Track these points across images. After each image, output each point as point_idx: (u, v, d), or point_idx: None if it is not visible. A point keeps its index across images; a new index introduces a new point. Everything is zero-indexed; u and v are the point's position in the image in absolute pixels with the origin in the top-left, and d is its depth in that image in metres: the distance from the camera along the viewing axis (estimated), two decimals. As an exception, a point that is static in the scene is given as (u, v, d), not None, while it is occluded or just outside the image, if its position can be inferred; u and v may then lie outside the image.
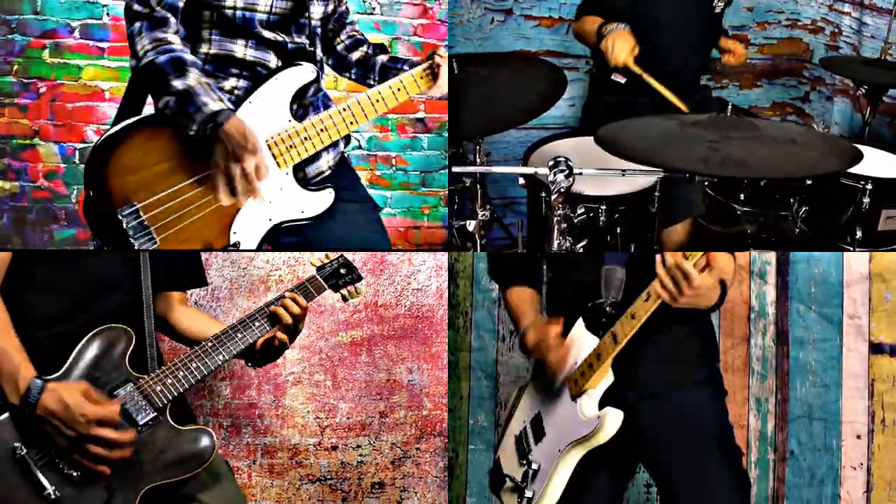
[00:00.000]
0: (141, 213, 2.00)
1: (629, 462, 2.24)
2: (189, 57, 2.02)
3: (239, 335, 1.95)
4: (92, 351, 1.81)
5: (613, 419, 2.03)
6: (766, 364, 3.07)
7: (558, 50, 3.83)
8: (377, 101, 2.28)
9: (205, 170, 2.05)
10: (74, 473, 1.72)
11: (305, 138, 2.20)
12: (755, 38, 4.04)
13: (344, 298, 2.20)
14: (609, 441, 2.04)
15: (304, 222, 2.24)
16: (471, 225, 2.81)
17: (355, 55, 2.54)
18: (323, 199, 2.26)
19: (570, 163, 2.34)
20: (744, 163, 2.03)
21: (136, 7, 2.05)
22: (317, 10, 2.32)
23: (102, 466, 1.72)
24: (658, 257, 1.93)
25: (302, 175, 2.26)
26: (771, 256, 3.08)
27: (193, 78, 1.99)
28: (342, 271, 2.18)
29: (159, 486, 1.80)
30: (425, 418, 3.06)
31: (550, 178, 2.34)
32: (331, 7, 2.43)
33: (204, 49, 2.17)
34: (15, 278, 1.85)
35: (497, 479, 2.27)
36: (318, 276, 2.14)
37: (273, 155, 2.16)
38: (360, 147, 3.72)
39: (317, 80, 2.29)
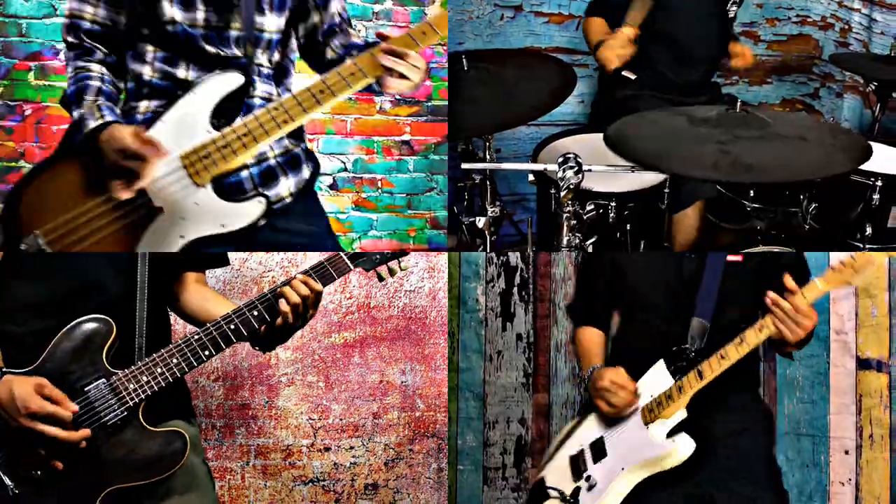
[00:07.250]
0: (40, 240, 1.94)
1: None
2: (93, 84, 2.04)
3: (232, 327, 1.78)
4: (70, 343, 1.71)
5: (686, 445, 2.05)
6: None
7: (568, 46, 3.83)
8: (321, 91, 1.99)
9: (107, 190, 1.99)
10: (33, 472, 1.64)
11: (223, 146, 1.99)
12: (765, 35, 4.03)
13: (380, 278, 1.92)
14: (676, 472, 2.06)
15: (228, 235, 2.06)
16: (480, 221, 2.81)
17: (333, 57, 2.28)
18: (248, 211, 2.04)
19: (579, 159, 2.34)
20: (753, 167, 2.03)
21: (70, 38, 2.09)
22: (271, 22, 2.14)
23: (55, 462, 1.64)
24: (768, 300, 2.00)
25: (265, 201, 2.08)
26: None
27: (87, 105, 1.98)
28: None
29: (123, 489, 1.70)
30: (418, 419, 3.06)
31: (560, 174, 2.34)
32: (316, 18, 2.25)
33: (147, 73, 2.10)
34: (4, 271, 1.80)
35: (537, 494, 2.24)
36: (342, 255, 1.85)
37: (188, 173, 2.00)
38: (345, 169, 3.72)
39: (248, 85, 2.09)
